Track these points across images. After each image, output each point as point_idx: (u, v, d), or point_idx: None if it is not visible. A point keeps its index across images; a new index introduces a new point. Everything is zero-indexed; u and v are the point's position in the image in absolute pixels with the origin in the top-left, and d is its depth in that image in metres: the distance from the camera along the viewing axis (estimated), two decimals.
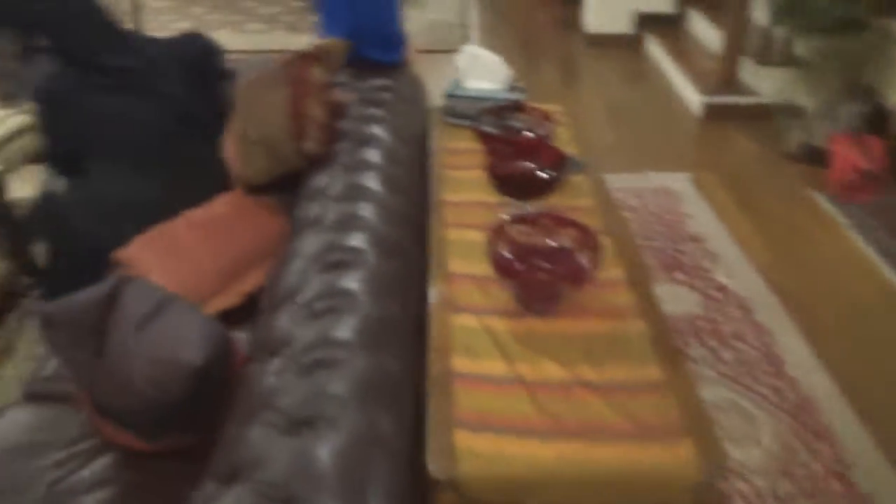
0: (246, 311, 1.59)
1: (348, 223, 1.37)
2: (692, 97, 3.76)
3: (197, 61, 2.10)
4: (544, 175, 1.46)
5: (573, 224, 1.25)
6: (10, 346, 2.10)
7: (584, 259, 1.21)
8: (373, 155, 1.63)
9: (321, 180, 1.60)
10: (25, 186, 2.53)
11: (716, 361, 2.08)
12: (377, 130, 1.75)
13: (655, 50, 4.43)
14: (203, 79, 2.10)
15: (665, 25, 4.53)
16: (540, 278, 1.23)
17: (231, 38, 4.67)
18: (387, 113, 1.86)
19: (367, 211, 1.41)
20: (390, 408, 1.02)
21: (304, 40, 4.52)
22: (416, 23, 4.95)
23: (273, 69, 1.81)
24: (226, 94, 2.05)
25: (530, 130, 1.65)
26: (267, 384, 1.05)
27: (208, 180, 2.02)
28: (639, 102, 3.95)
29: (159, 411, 1.17)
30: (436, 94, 2.10)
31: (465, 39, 4.69)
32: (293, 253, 1.35)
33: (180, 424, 1.24)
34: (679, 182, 3.04)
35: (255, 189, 1.89)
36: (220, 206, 1.87)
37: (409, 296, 1.28)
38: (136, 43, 1.95)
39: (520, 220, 1.31)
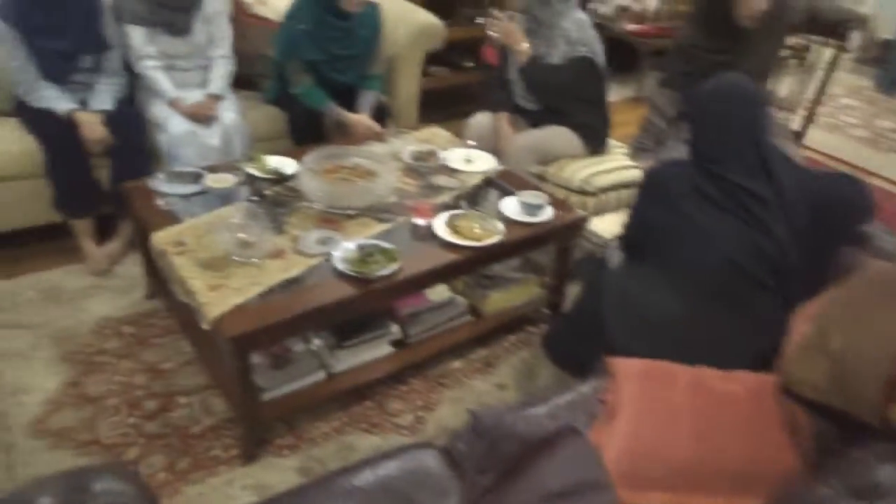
0: None
1: None
2: None
3: (833, 212, 1.68)
4: None
5: None
6: (492, 364, 2.20)
7: None
8: None
9: (884, 473, 1.06)
10: (605, 226, 2.60)
11: None
12: None
13: None
14: (826, 233, 1.68)
15: None
16: None
17: None
18: None
19: None
20: None
21: None
22: None
23: None
24: (847, 260, 1.61)
25: None
26: None
27: (748, 341, 1.66)
28: None
29: None
30: None
31: None
32: None
33: None
34: None
35: (795, 394, 1.44)
36: (740, 383, 1.48)
37: None
38: (773, 168, 1.65)
39: None
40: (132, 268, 2.43)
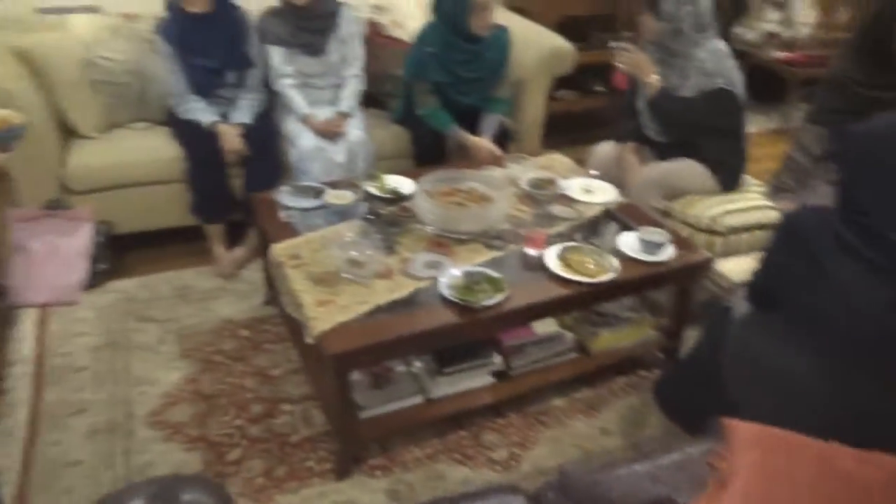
0: None
1: None
2: None
3: None
4: None
5: None
6: (597, 406, 2.09)
7: None
8: None
9: None
10: (734, 268, 2.41)
11: None
12: None
13: None
14: None
15: None
16: None
17: None
18: None
19: None
20: None
21: None
22: None
23: None
24: None
25: None
26: None
27: (890, 417, 1.46)
28: None
29: None
30: None
31: None
32: None
33: None
34: None
35: None
36: (878, 468, 1.30)
37: None
38: None
39: None
40: (255, 273, 2.56)
